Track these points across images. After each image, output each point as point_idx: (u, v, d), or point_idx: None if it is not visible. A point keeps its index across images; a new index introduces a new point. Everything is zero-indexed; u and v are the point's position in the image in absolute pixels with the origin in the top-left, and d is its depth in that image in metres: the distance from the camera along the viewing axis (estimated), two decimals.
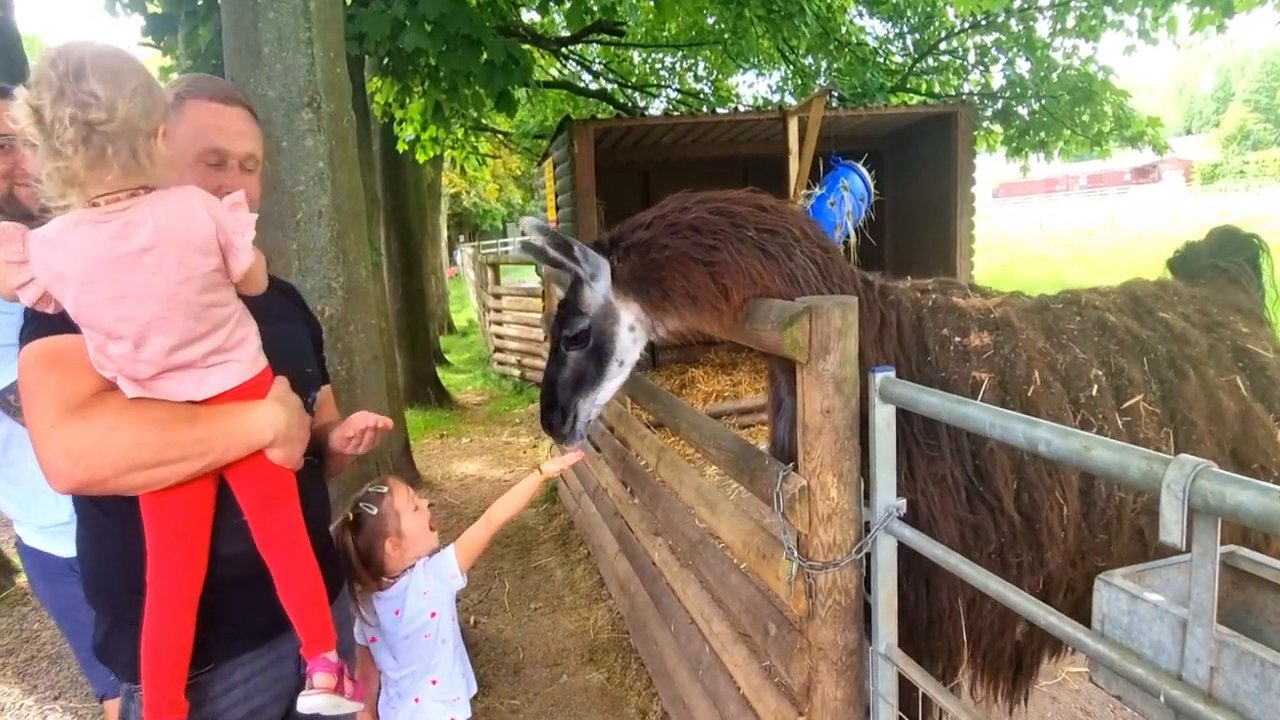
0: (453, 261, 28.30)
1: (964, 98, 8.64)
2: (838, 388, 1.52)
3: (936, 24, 8.58)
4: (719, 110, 7.97)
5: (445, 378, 11.13)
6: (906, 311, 1.76)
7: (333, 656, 1.33)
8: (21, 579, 4.81)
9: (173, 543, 1.19)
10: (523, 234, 1.88)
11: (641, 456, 2.93)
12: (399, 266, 8.67)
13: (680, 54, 10.45)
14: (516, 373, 10.33)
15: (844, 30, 8.61)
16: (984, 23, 8.03)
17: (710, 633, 2.35)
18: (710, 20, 8.34)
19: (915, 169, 8.26)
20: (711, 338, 1.88)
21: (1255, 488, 0.85)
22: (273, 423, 1.23)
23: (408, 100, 5.77)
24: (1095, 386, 1.75)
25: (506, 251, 14.78)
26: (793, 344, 1.52)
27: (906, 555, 1.58)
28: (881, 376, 1.51)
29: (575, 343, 1.82)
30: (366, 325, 3.17)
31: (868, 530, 1.57)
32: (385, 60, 4.75)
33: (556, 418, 1.85)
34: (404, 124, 6.64)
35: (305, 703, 1.28)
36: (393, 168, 8.47)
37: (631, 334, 1.83)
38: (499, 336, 11.01)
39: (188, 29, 4.61)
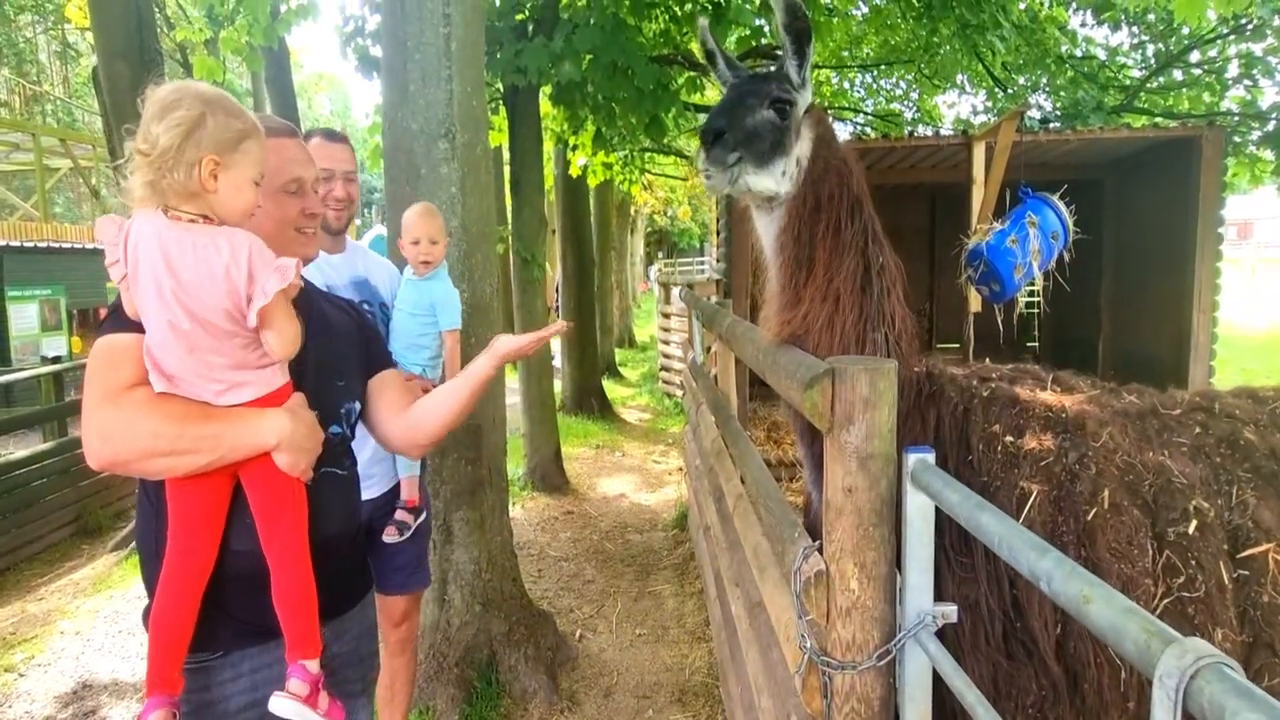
0: (646, 277, 29.54)
1: (1215, 117, 7.06)
2: (862, 465, 1.35)
3: (1186, 30, 7.12)
4: (905, 134, 7.40)
5: (613, 390, 11.54)
6: (949, 402, 1.55)
7: (313, 666, 1.37)
8: None
9: (185, 531, 1.32)
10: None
11: (726, 500, 2.78)
12: (573, 283, 9.19)
13: (874, 73, 9.85)
14: (680, 393, 10.41)
15: (1055, 41, 7.42)
16: (1249, 28, 6.52)
17: (760, 708, 2.16)
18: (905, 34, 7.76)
19: (1144, 204, 6.90)
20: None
21: (1266, 707, 0.58)
22: (278, 429, 1.34)
23: (579, 129, 6.13)
24: (1194, 522, 1.38)
25: (703, 270, 15.08)
26: (812, 408, 1.38)
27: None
28: (915, 458, 1.31)
29: (780, 105, 1.71)
30: (486, 340, 3.35)
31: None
32: (551, 91, 5.08)
33: (728, 147, 1.66)
34: (576, 150, 7.05)
35: (274, 703, 1.34)
36: (571, 192, 9.02)
37: (797, 166, 1.74)
38: (666, 355, 11.19)
39: None
